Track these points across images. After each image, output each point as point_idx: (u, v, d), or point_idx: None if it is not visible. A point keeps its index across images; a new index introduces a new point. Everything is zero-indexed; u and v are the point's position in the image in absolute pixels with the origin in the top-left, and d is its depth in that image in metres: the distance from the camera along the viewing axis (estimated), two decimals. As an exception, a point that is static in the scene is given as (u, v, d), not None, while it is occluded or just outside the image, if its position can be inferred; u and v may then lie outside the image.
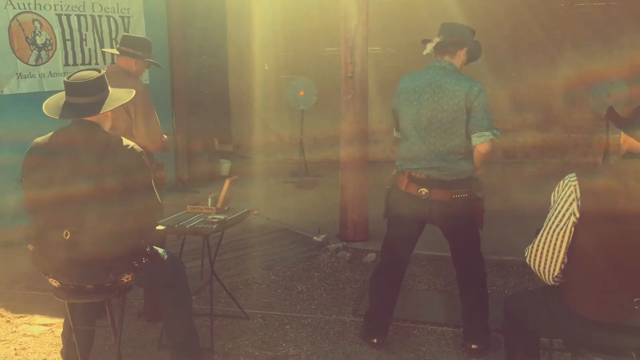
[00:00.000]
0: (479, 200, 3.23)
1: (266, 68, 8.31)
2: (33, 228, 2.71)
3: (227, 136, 8.29)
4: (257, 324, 3.77)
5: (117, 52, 3.78)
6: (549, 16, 7.74)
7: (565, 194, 2.20)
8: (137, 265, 2.73)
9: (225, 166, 7.48)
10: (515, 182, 6.82)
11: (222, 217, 3.55)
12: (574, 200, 2.17)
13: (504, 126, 7.80)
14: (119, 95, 2.81)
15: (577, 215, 2.16)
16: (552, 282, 2.35)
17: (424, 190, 3.17)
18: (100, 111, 2.67)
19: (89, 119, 2.67)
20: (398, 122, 3.35)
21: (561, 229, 2.20)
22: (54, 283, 2.73)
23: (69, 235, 2.55)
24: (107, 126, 2.79)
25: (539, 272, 2.34)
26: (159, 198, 2.85)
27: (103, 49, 5.73)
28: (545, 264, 2.29)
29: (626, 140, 2.26)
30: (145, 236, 2.78)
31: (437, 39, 3.25)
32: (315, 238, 5.15)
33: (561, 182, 2.26)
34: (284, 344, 3.51)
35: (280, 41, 8.14)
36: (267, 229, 5.58)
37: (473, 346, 3.34)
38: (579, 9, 7.87)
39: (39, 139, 2.73)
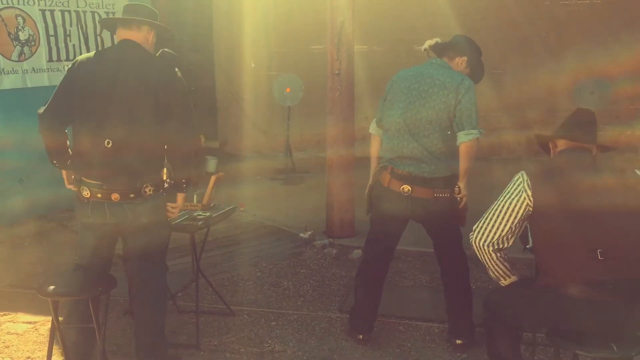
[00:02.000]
0: (462, 198, 3.23)
1: (253, 65, 8.28)
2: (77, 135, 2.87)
3: (213, 133, 8.25)
4: (243, 320, 3.77)
5: None
6: (534, 13, 7.79)
7: (515, 184, 2.55)
8: (163, 181, 2.88)
9: (211, 163, 7.42)
10: (501, 179, 6.83)
11: (207, 214, 3.54)
12: (521, 182, 2.51)
13: (489, 123, 7.84)
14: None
15: (529, 192, 2.46)
16: (489, 254, 2.56)
17: (406, 187, 3.16)
18: (155, 19, 2.98)
19: (133, 39, 2.90)
20: (382, 115, 3.34)
21: (514, 198, 2.50)
22: (85, 193, 2.83)
23: (110, 144, 2.76)
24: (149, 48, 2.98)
25: (479, 247, 2.57)
26: (194, 122, 2.96)
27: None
28: (490, 233, 2.54)
29: (554, 147, 2.64)
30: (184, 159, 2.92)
31: (436, 39, 3.25)
32: (301, 234, 5.16)
33: (512, 180, 2.58)
34: (270, 341, 3.51)
35: (268, 38, 8.10)
36: (253, 226, 5.58)
37: (458, 341, 3.37)
38: (564, 6, 7.93)
39: (83, 57, 2.90)
